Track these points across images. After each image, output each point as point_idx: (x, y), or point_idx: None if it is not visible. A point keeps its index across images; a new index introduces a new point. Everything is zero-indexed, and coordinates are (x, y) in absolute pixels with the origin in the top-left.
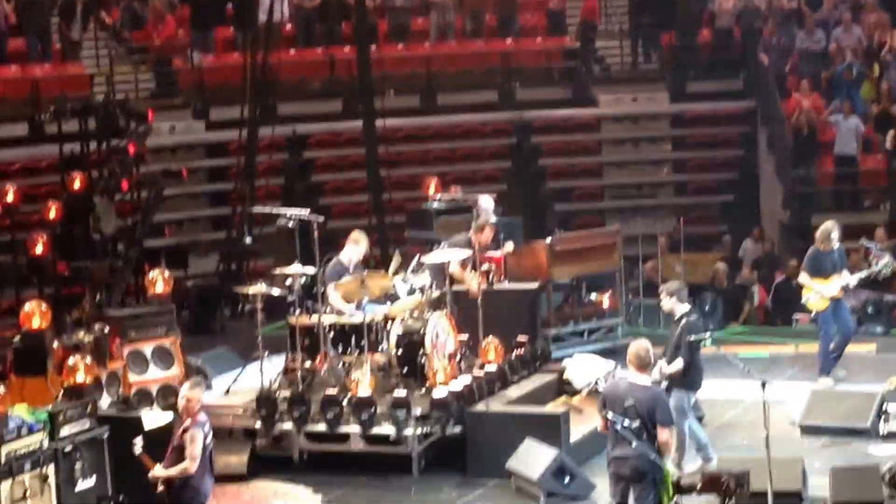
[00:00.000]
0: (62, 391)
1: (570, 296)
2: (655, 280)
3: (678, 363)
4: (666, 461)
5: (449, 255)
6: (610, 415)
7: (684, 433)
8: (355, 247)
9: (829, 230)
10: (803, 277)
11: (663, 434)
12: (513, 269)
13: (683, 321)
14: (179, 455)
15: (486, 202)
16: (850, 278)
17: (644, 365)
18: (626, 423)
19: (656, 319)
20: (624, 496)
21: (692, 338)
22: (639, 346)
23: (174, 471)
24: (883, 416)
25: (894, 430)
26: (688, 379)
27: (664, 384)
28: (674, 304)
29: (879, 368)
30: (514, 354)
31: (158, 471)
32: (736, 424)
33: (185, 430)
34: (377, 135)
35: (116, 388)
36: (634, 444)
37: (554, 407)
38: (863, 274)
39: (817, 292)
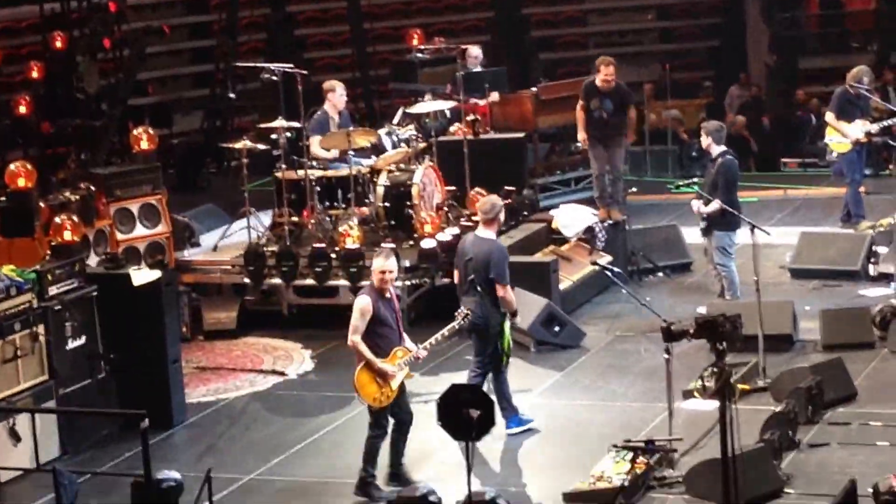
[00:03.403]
0: (49, 250)
1: (556, 145)
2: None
3: (715, 204)
4: (505, 315)
5: (433, 105)
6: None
7: (732, 272)
8: (333, 94)
9: (862, 72)
10: (829, 117)
11: (498, 289)
12: (498, 119)
13: (720, 161)
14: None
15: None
16: (872, 125)
17: (489, 219)
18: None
19: (665, 165)
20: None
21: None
22: (484, 200)
23: (439, 336)
24: (872, 258)
25: (884, 272)
26: (726, 219)
27: (703, 225)
28: (710, 143)
29: (869, 210)
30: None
31: (422, 351)
32: None
33: (399, 299)
34: None
35: (104, 246)
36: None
37: (542, 256)
38: (886, 122)
39: (841, 133)
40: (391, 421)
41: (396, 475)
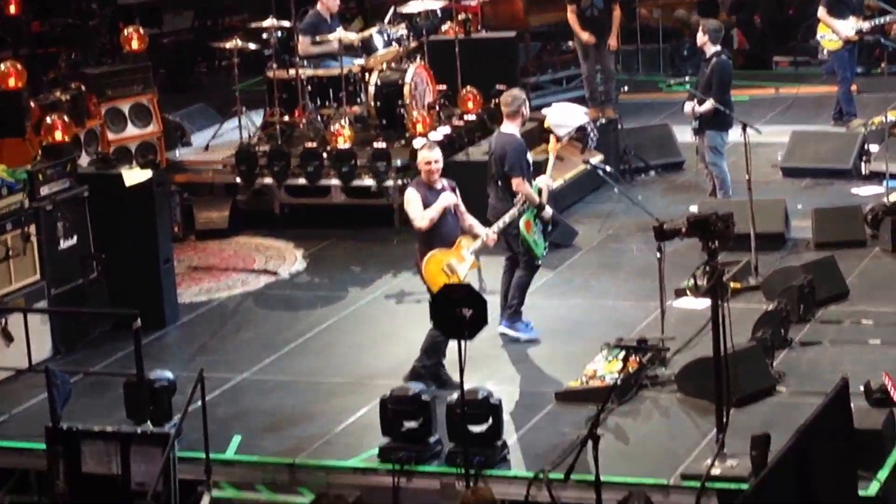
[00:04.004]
0: (40, 150)
1: (547, 44)
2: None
3: (709, 103)
4: (525, 207)
5: (424, 5)
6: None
7: (725, 171)
8: None
9: None
10: (821, 12)
11: (514, 183)
12: (489, 18)
13: (714, 60)
14: (462, 216)
15: None
16: (864, 23)
17: (511, 112)
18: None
19: (656, 63)
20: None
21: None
22: (506, 93)
23: (504, 219)
24: (864, 157)
25: (876, 170)
26: (719, 118)
27: (696, 125)
28: (707, 41)
29: (860, 108)
30: (492, 103)
31: (493, 234)
32: None
33: (454, 189)
34: None
35: (95, 146)
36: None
37: (534, 154)
38: (877, 20)
39: (832, 31)
40: None
41: (437, 375)
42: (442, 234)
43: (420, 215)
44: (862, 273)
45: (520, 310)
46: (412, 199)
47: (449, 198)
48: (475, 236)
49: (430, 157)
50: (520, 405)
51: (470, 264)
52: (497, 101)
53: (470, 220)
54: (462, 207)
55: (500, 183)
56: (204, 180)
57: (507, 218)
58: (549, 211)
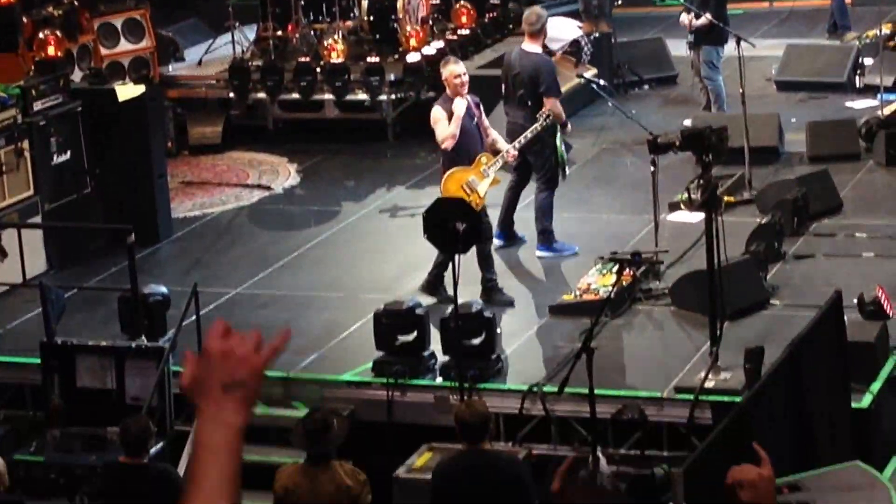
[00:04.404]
0: (33, 66)
1: None
2: None
3: (705, 17)
4: (555, 128)
5: None
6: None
7: (719, 85)
8: None
9: None
10: None
11: (547, 103)
12: None
13: None
14: (486, 132)
15: None
16: None
17: (534, 32)
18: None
19: None
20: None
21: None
22: (530, 11)
23: (527, 135)
24: (858, 70)
25: (870, 83)
26: (714, 33)
27: (691, 39)
28: None
29: (855, 21)
30: (486, 17)
31: (513, 151)
32: None
33: (478, 105)
34: None
35: (88, 61)
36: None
37: None
38: None
39: None
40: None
41: (490, 287)
42: (463, 150)
43: (443, 136)
44: (856, 186)
45: (552, 230)
46: (439, 118)
47: (461, 104)
48: (496, 152)
49: (458, 70)
50: (514, 319)
51: (490, 181)
52: (491, 15)
53: (493, 136)
54: (486, 123)
55: (529, 103)
56: (197, 95)
57: (528, 134)
58: (570, 127)
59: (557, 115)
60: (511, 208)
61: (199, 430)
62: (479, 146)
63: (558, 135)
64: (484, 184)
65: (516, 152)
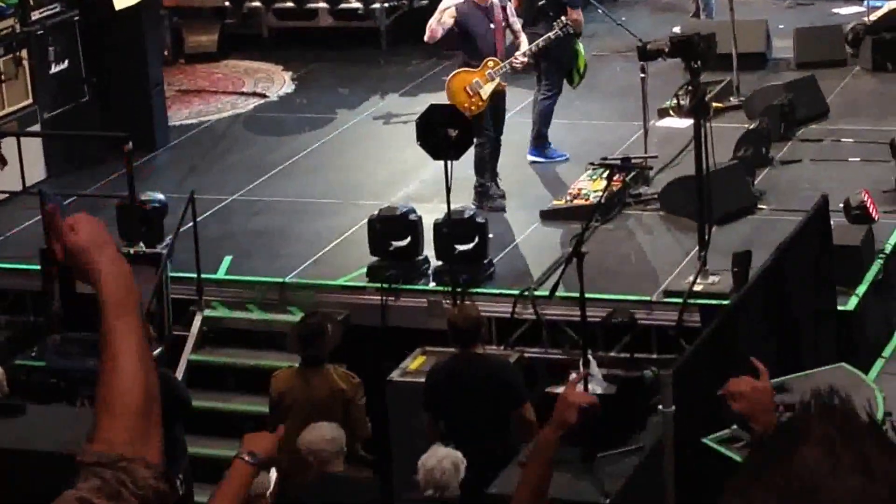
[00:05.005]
0: None
1: None
2: None
3: None
4: (577, 41)
5: None
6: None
7: None
8: None
9: None
10: None
11: (571, 12)
12: None
13: None
14: (512, 32)
15: None
16: None
17: None
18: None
19: None
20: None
21: None
22: None
23: (538, 42)
24: None
25: None
26: None
27: None
28: None
29: None
30: None
31: (521, 57)
32: None
33: (504, 9)
34: None
35: None
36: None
37: None
38: None
39: None
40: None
41: (481, 192)
42: (476, 53)
43: (428, 26)
44: (842, 92)
45: (547, 136)
46: (439, 8)
47: (486, 88)
48: (498, 60)
49: None
50: (505, 224)
51: (495, 85)
52: None
53: (522, 39)
54: (517, 26)
55: (551, 14)
56: (193, 4)
57: (541, 42)
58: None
59: (579, 23)
60: (546, 117)
61: (108, 293)
62: (492, 51)
63: (579, 42)
64: (487, 87)
65: (525, 59)
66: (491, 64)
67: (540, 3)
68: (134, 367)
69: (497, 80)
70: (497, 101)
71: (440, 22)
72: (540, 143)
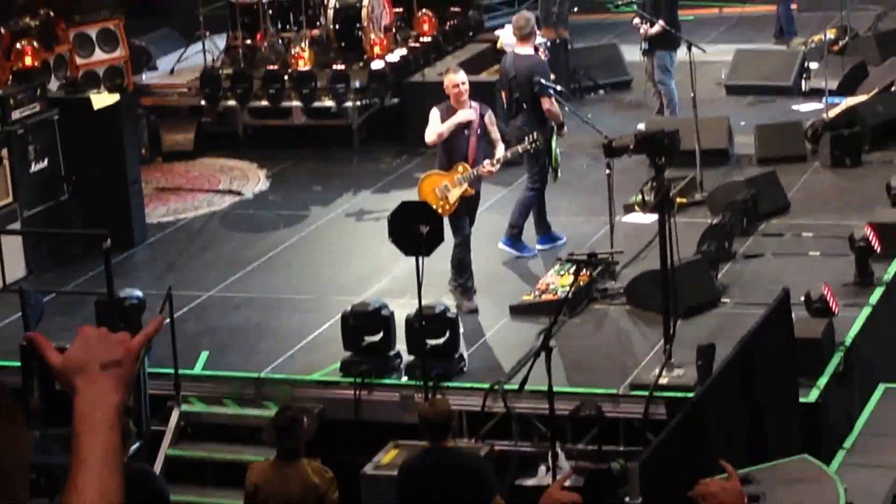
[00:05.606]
0: (11, 76)
1: None
2: None
3: (658, 25)
4: (552, 129)
5: None
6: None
7: (672, 90)
8: None
9: None
10: None
11: (544, 102)
12: None
13: None
14: (489, 141)
15: None
16: None
17: (525, 35)
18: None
19: None
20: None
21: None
22: (518, 16)
23: (506, 154)
24: (804, 74)
25: (815, 87)
26: (667, 39)
27: (646, 46)
28: None
29: (800, 27)
30: (447, 25)
31: (489, 166)
32: None
33: (482, 116)
34: None
35: (64, 70)
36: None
37: (489, 75)
38: None
39: None
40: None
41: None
42: (448, 154)
43: (429, 130)
44: (802, 187)
45: (522, 229)
46: (432, 118)
47: (466, 114)
48: (468, 166)
49: (457, 79)
50: (476, 318)
51: (462, 190)
52: (451, 22)
53: (498, 147)
54: (495, 135)
55: (525, 106)
56: (170, 103)
57: (509, 153)
58: (566, 129)
59: (555, 115)
60: (540, 212)
61: (79, 410)
62: (463, 155)
63: (554, 137)
64: (455, 191)
65: (493, 168)
66: (461, 169)
67: (515, 95)
68: (97, 481)
69: (465, 185)
70: (470, 202)
71: (441, 126)
72: (514, 233)
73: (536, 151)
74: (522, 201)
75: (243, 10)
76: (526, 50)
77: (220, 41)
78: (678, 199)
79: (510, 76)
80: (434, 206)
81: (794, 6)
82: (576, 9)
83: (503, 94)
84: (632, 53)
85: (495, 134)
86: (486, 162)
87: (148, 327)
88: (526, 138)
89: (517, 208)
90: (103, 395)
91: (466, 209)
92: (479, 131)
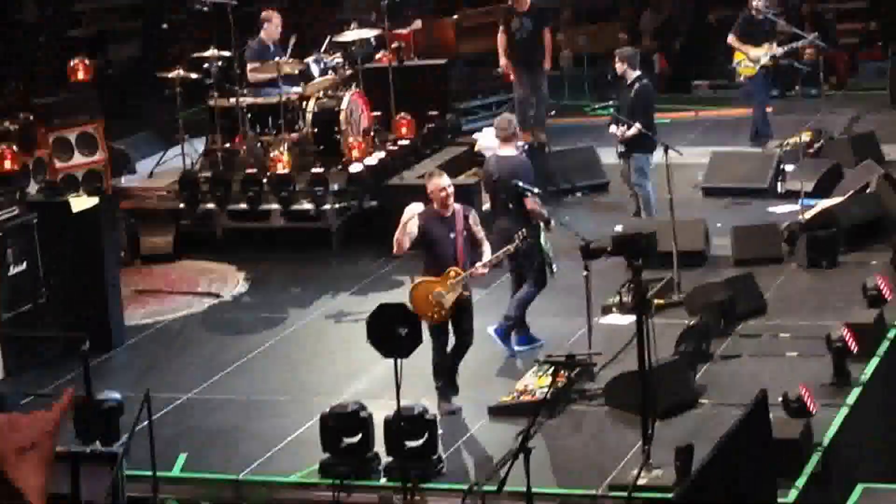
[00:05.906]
0: None
1: (478, 69)
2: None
3: (634, 128)
4: (538, 227)
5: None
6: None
7: (649, 192)
8: (269, 24)
9: None
10: (731, 39)
11: (527, 202)
12: (422, 46)
13: (637, 86)
14: (474, 242)
15: None
16: (777, 49)
17: (507, 136)
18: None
19: (581, 89)
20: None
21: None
22: (501, 118)
23: (498, 255)
24: (780, 176)
25: (791, 189)
26: (645, 141)
27: (622, 148)
28: (626, 69)
29: (776, 129)
30: (426, 128)
31: (481, 268)
32: None
33: (466, 218)
34: None
35: (43, 174)
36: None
37: (466, 178)
38: (791, 45)
39: (747, 58)
40: (451, 337)
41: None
42: (436, 259)
43: (395, 239)
44: (779, 288)
45: (514, 323)
46: (404, 220)
47: (410, 210)
48: (460, 270)
49: (442, 183)
50: (454, 419)
51: (457, 296)
52: (429, 126)
53: (484, 247)
54: (479, 235)
55: (511, 206)
56: (148, 206)
57: (500, 254)
58: (553, 224)
59: (538, 214)
60: (520, 308)
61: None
62: (451, 259)
63: (542, 235)
64: (450, 297)
65: (485, 270)
66: (452, 274)
67: (501, 196)
68: None
69: (459, 290)
70: (464, 306)
71: (406, 233)
72: (507, 325)
73: (530, 250)
74: (521, 296)
75: (222, 114)
76: (509, 151)
77: (199, 144)
78: (655, 301)
79: (494, 178)
80: (429, 314)
81: (769, 109)
82: (553, 112)
83: (489, 197)
84: (609, 156)
85: (480, 234)
86: (479, 265)
87: (61, 401)
88: (515, 237)
89: (515, 302)
90: (25, 480)
91: (460, 313)
92: (464, 233)
